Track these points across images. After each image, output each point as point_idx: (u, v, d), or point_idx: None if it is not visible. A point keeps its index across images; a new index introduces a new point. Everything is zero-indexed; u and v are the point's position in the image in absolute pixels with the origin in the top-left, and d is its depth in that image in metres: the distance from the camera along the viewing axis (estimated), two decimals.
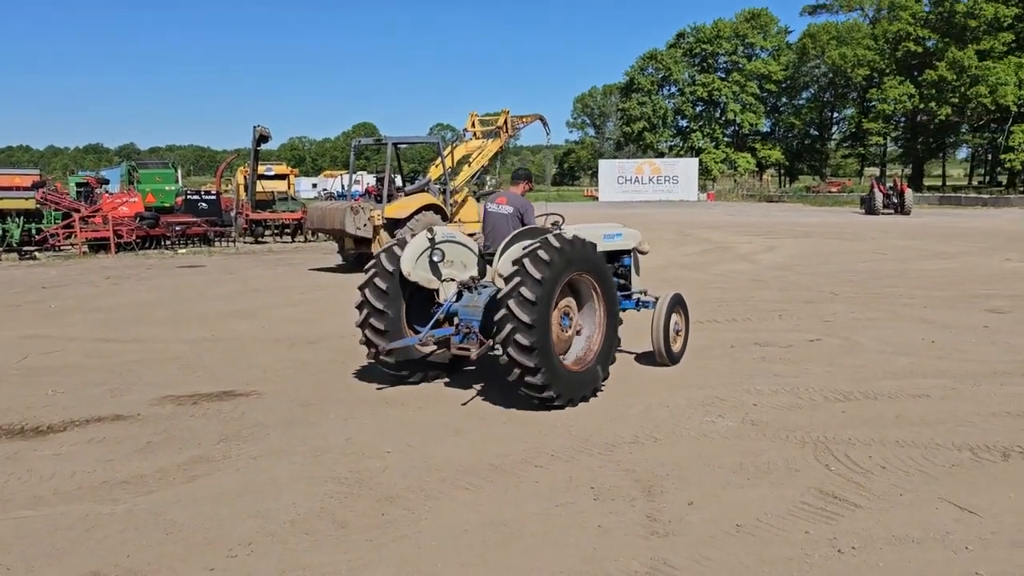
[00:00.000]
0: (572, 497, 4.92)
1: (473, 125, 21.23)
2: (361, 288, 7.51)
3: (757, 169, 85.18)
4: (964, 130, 74.37)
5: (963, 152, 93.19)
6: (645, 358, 8.58)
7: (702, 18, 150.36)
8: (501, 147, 22.03)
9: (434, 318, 7.39)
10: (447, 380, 7.83)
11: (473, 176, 20.20)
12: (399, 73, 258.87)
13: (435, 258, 7.51)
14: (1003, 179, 73.96)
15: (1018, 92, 60.57)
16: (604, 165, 73.01)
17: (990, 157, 77.88)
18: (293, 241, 26.54)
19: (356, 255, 17.81)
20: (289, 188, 32.28)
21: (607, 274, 7.38)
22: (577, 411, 6.71)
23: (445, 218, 18.10)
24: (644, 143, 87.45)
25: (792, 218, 37.61)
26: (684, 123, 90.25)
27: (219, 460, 5.65)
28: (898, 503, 4.76)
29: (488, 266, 7.73)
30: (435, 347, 7.58)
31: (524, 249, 6.64)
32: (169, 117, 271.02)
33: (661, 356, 8.24)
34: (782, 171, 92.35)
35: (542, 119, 21.92)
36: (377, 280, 7.42)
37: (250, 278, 16.46)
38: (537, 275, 6.40)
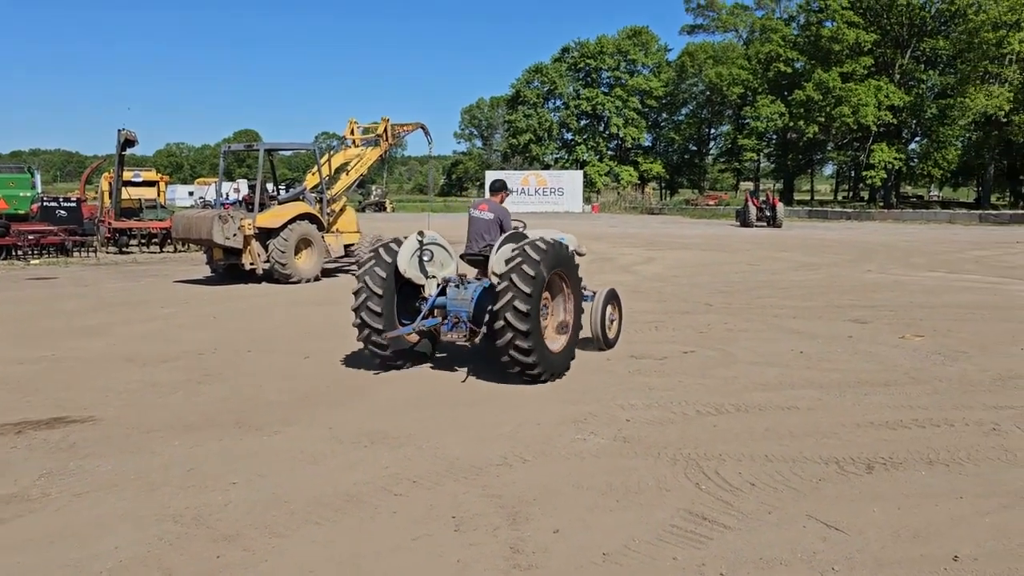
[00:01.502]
0: (431, 528, 4.57)
1: (352, 132, 20.63)
2: (360, 276, 8.30)
3: (639, 182, 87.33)
4: (830, 148, 78.48)
5: (829, 168, 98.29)
6: (582, 343, 9.18)
7: (586, 34, 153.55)
8: (382, 155, 21.52)
9: (423, 310, 8.33)
10: (431, 364, 8.78)
11: (351, 185, 19.58)
12: (285, 80, 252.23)
13: (424, 258, 8.47)
14: (865, 194, 78.58)
15: (877, 113, 64.40)
16: (491, 176, 73.20)
17: (853, 174, 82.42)
18: (161, 251, 25.12)
19: (226, 266, 16.94)
20: (159, 195, 30.67)
21: (575, 271, 8.56)
22: (444, 431, 6.37)
23: (321, 228, 17.48)
24: (530, 155, 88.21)
25: (672, 230, 38.56)
26: (569, 136, 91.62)
27: (36, 499, 5.01)
28: (766, 522, 4.64)
29: (467, 264, 8.94)
30: (418, 337, 8.52)
31: (514, 251, 7.69)
32: (35, 120, 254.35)
33: (598, 340, 9.37)
34: (663, 184, 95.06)
35: (424, 128, 21.51)
36: (377, 269, 8.23)
37: (107, 291, 15.33)
38: (531, 272, 7.51)
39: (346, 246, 18.46)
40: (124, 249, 24.69)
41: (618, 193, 78.12)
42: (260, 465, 5.61)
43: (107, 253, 23.86)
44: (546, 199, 68.39)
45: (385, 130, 20.14)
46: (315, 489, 5.16)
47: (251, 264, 16.38)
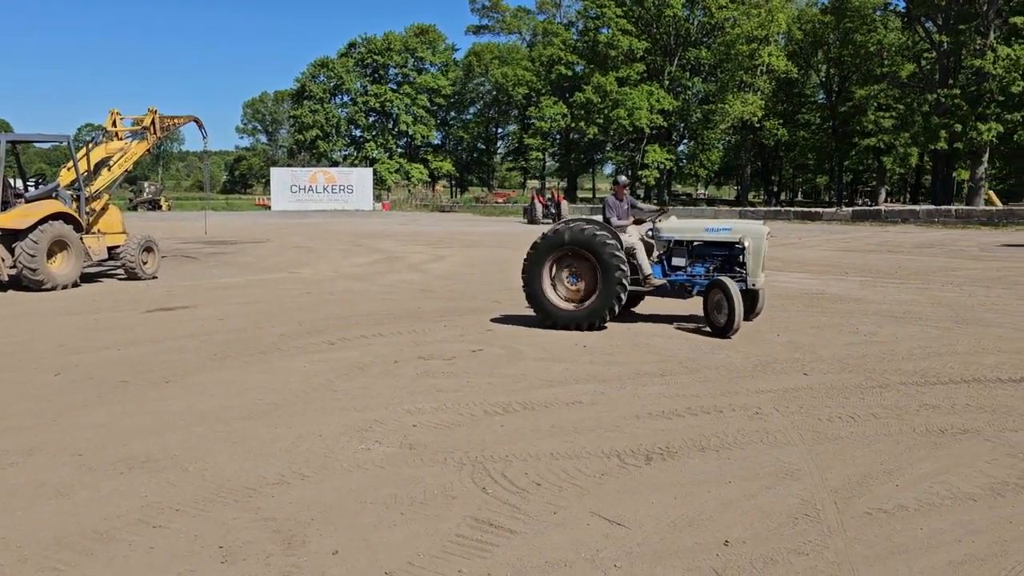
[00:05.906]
0: (194, 563, 4.12)
1: (115, 124, 18.91)
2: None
3: (430, 180, 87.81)
4: (609, 148, 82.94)
5: (609, 167, 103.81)
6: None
7: (372, 29, 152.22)
8: (150, 149, 19.95)
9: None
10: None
11: (115, 181, 17.92)
12: (45, 71, 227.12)
13: None
14: (641, 192, 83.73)
15: (650, 116, 68.79)
16: (276, 173, 70.60)
17: (630, 172, 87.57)
18: None
19: None
20: None
21: (601, 252, 10.48)
22: (215, 450, 5.85)
23: (79, 228, 15.87)
24: (318, 151, 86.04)
25: (462, 228, 38.93)
26: (358, 133, 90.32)
27: None
28: (551, 523, 4.61)
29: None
30: None
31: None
32: None
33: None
34: (453, 182, 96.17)
35: (197, 121, 20.17)
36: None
37: None
38: (531, 250, 10.91)
39: (110, 248, 16.90)
40: None
41: (409, 191, 78.12)
42: None
43: None
44: (336, 197, 67.02)
45: (153, 122, 18.66)
46: (57, 528, 4.52)
47: None
